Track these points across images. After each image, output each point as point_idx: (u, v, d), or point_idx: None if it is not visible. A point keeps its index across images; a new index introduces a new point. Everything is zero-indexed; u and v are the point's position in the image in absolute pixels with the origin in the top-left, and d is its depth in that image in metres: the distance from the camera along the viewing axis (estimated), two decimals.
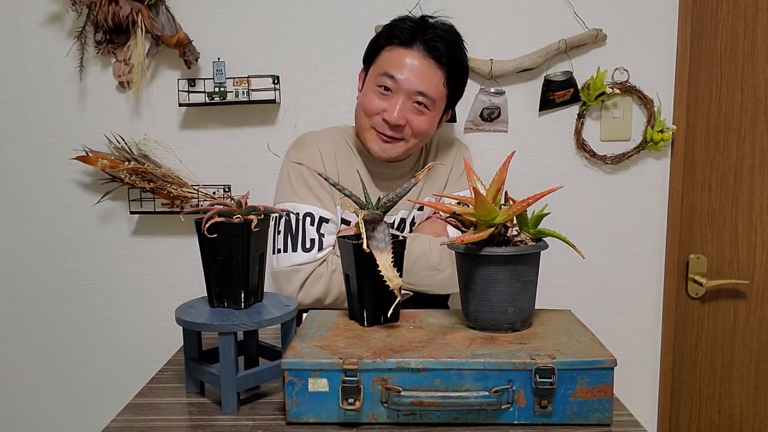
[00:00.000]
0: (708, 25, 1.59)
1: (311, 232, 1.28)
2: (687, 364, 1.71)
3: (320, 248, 1.27)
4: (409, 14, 1.35)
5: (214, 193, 1.60)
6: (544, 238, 0.96)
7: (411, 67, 1.27)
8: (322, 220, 1.29)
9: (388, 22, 1.34)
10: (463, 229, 0.96)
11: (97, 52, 1.59)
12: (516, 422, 0.84)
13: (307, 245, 1.27)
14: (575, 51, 1.57)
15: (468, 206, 0.95)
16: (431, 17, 1.32)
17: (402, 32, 1.29)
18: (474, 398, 0.82)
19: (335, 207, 1.33)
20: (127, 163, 1.54)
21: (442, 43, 1.28)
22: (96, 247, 1.68)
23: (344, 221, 1.35)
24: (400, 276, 0.94)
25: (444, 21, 1.32)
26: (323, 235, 1.29)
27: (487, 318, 0.94)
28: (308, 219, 1.29)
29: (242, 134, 1.62)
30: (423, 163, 1.42)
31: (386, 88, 1.28)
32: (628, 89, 1.57)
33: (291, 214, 1.29)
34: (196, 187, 1.58)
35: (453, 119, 1.59)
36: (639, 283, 1.66)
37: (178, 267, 1.67)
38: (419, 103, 1.28)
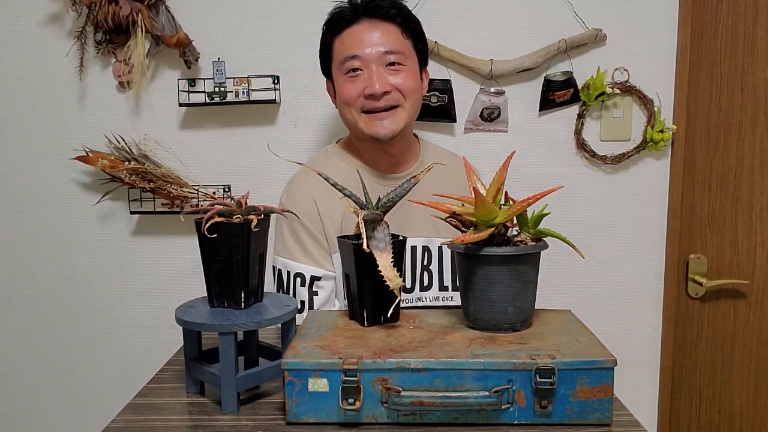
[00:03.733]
0: (708, 26, 1.59)
1: (302, 293, 1.28)
2: (687, 364, 1.71)
3: (311, 308, 1.27)
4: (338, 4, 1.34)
5: (214, 193, 1.60)
6: (544, 238, 0.96)
7: (366, 36, 1.25)
8: (314, 279, 1.28)
9: (323, 23, 1.32)
10: (463, 229, 0.96)
11: (97, 52, 1.59)
12: (516, 422, 0.84)
13: (298, 306, 1.26)
14: (575, 51, 1.57)
15: (467, 205, 0.95)
16: None
17: (342, 16, 1.28)
18: (474, 398, 0.82)
19: (329, 257, 1.30)
20: (127, 163, 1.55)
21: (382, 2, 1.27)
22: (96, 247, 1.68)
23: None
24: (400, 276, 0.94)
25: None
26: (316, 293, 1.28)
27: (487, 318, 0.94)
28: (299, 279, 1.28)
29: (242, 134, 1.62)
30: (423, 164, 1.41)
31: (355, 69, 1.26)
32: (628, 89, 1.57)
33: (282, 271, 1.29)
34: (196, 187, 1.58)
35: (453, 119, 1.59)
36: (639, 283, 1.66)
37: (178, 267, 1.67)
38: (392, 63, 1.26)
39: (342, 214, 1.29)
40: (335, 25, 1.29)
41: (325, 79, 1.38)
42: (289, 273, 1.29)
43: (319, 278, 1.28)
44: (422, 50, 1.33)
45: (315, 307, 1.28)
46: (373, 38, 1.25)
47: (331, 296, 1.31)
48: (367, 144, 1.32)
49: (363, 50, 1.25)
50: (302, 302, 1.27)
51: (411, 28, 1.30)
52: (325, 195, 1.24)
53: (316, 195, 1.29)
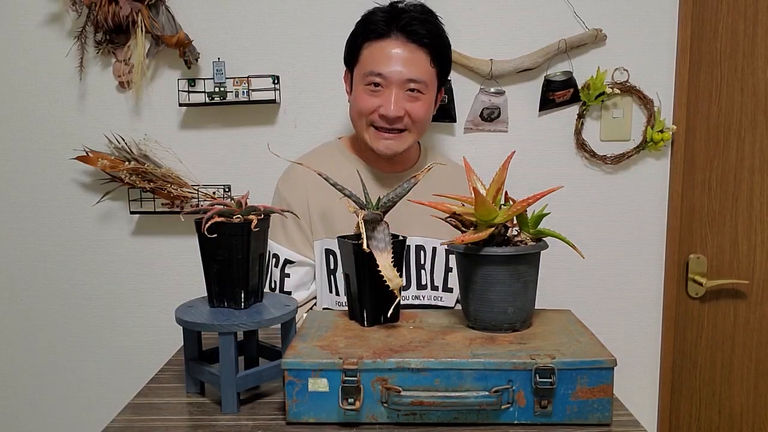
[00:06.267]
0: (708, 26, 1.59)
1: (275, 273, 1.33)
2: (687, 364, 1.71)
3: (281, 290, 1.31)
4: (377, 4, 1.34)
5: (214, 193, 1.60)
6: (544, 238, 0.96)
7: (395, 57, 1.26)
8: (287, 261, 1.32)
9: (359, 19, 1.32)
10: (463, 229, 0.96)
11: (97, 52, 1.59)
12: (516, 422, 0.84)
13: (271, 285, 1.32)
14: (575, 51, 1.57)
15: (467, 205, 0.95)
16: (399, 1, 1.31)
17: (377, 25, 1.28)
18: (474, 398, 0.82)
19: (310, 245, 1.34)
20: (127, 163, 1.55)
21: (419, 25, 1.27)
22: (96, 247, 1.68)
23: (330, 251, 1.33)
24: (400, 276, 0.94)
25: (413, 1, 1.31)
26: (288, 275, 1.32)
27: (487, 318, 0.94)
28: (274, 260, 1.33)
29: (242, 134, 1.62)
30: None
31: (376, 85, 1.27)
32: (628, 89, 1.57)
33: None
34: (196, 187, 1.58)
35: (453, 119, 1.59)
36: (639, 283, 1.66)
37: (178, 267, 1.67)
38: (412, 90, 1.27)
39: (330, 205, 1.31)
40: (369, 31, 1.29)
41: (344, 69, 1.38)
42: (269, 252, 1.33)
43: (293, 262, 1.33)
44: (443, 76, 1.35)
45: (286, 289, 1.32)
46: (400, 62, 1.26)
47: (306, 281, 1.35)
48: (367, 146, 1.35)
49: (389, 69, 1.26)
50: (275, 282, 1.33)
51: (440, 54, 1.31)
52: (317, 184, 1.25)
53: (309, 183, 1.32)
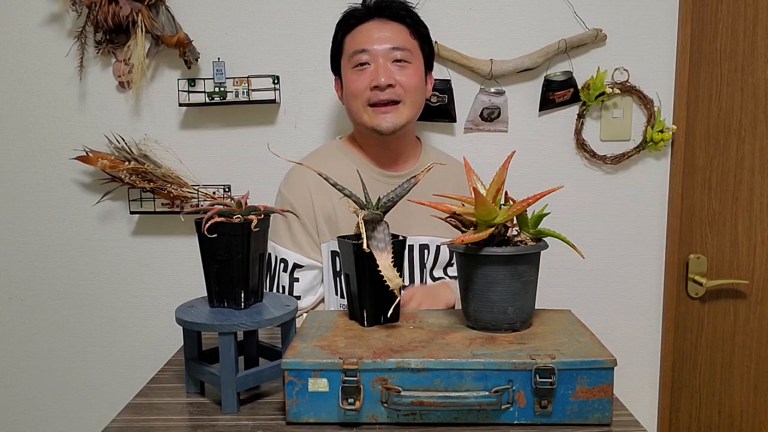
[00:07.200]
0: (708, 26, 1.59)
1: (284, 278, 1.33)
2: (687, 364, 1.71)
3: (290, 294, 1.32)
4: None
5: (214, 193, 1.60)
6: (544, 238, 0.96)
7: (376, 33, 1.31)
8: (296, 266, 1.32)
9: (337, 22, 1.37)
10: (463, 229, 0.96)
11: (97, 52, 1.59)
12: (516, 422, 0.84)
13: (280, 291, 1.33)
14: (575, 51, 1.57)
15: (467, 205, 0.95)
16: None
17: (354, 15, 1.34)
18: (474, 398, 0.82)
19: (318, 247, 1.34)
20: (127, 163, 1.55)
21: (394, 3, 1.33)
22: (96, 247, 1.68)
23: (336, 253, 1.33)
24: (400, 276, 0.94)
25: None
26: (297, 280, 1.32)
27: (487, 318, 0.94)
28: (282, 265, 1.33)
29: (242, 134, 1.62)
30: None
31: (363, 63, 1.30)
32: (628, 89, 1.57)
33: (271, 255, 1.33)
34: (196, 187, 1.58)
35: (453, 119, 1.59)
36: (639, 283, 1.66)
37: (178, 267, 1.67)
38: (398, 60, 1.30)
39: (335, 207, 1.31)
40: (347, 22, 1.34)
41: (333, 77, 1.41)
42: (276, 258, 1.33)
43: (301, 266, 1.33)
44: (428, 54, 1.38)
45: (296, 294, 1.32)
46: (382, 35, 1.30)
47: (314, 285, 1.35)
48: (369, 138, 1.36)
49: (372, 45, 1.29)
50: (283, 287, 1.33)
51: (419, 31, 1.35)
52: (321, 187, 1.26)
53: (312, 186, 1.32)
